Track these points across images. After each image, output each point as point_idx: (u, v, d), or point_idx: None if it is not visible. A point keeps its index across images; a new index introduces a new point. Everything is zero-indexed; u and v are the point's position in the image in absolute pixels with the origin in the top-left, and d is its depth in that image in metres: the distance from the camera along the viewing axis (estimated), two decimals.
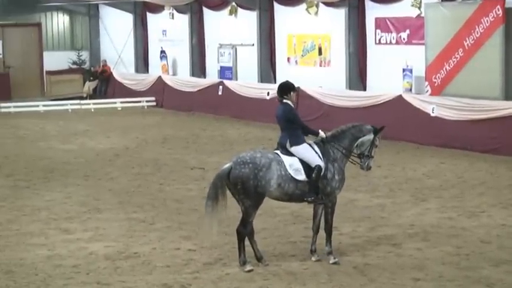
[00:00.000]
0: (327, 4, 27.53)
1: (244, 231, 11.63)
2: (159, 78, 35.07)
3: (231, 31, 31.88)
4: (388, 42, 25.92)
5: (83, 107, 34.60)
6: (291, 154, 11.81)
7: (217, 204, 11.62)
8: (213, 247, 12.82)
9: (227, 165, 11.65)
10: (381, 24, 26.08)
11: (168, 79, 34.68)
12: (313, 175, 11.67)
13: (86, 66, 40.07)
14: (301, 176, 11.68)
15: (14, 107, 33.94)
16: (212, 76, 32.94)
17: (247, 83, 30.62)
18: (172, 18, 35.13)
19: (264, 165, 11.48)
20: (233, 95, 30.66)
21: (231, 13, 31.78)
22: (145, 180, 18.69)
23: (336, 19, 27.41)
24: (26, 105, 34.32)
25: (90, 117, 31.53)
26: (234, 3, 31.34)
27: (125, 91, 36.64)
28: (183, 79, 34.06)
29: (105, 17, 39.79)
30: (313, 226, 12.24)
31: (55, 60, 39.40)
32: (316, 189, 11.79)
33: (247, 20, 31.04)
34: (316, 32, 28.56)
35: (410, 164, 20.53)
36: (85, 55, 40.31)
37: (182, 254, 12.48)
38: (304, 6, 28.51)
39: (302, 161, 11.74)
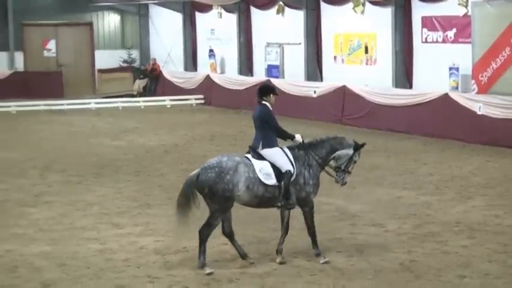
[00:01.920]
0: (373, 3, 27.36)
1: (208, 233, 11.38)
2: (208, 76, 35.17)
3: (278, 30, 31.83)
4: (435, 40, 25.67)
5: (133, 104, 34.83)
6: (262, 158, 11.57)
7: (187, 210, 11.45)
8: (260, 243, 12.83)
9: (195, 171, 11.49)
10: (428, 23, 25.84)
11: (216, 77, 34.75)
12: (284, 180, 11.44)
13: (136, 64, 40.32)
14: (272, 181, 11.43)
15: (67, 104, 34.25)
16: (259, 74, 32.91)
17: (294, 81, 30.54)
18: (221, 17, 35.17)
19: (230, 168, 11.25)
20: (280, 93, 30.46)
21: (278, 12, 31.73)
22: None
23: (382, 18, 27.22)
24: (78, 103, 34.63)
25: (139, 115, 31.71)
26: (281, 3, 31.29)
27: (173, 89, 36.80)
28: (230, 77, 34.11)
29: (155, 16, 39.96)
30: (282, 228, 11.92)
31: (106, 58, 39.74)
32: (287, 194, 11.53)
33: (294, 19, 30.97)
34: (362, 31, 28.39)
35: (456, 162, 20.33)
36: (135, 54, 40.57)
37: (230, 249, 12.45)
38: (350, 5, 28.34)
39: (273, 166, 11.50)
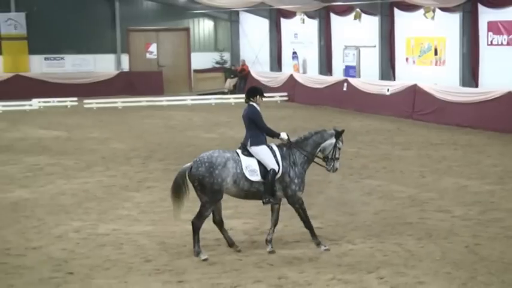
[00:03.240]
0: (443, 9, 27.01)
1: (199, 223, 11.20)
2: (291, 76, 35.18)
3: (355, 34, 31.65)
4: (500, 43, 25.14)
5: (224, 101, 35.05)
6: (251, 155, 11.31)
7: (179, 198, 11.34)
8: (338, 225, 12.79)
9: (188, 164, 11.31)
10: (493, 27, 25.34)
11: (298, 77, 34.75)
12: (268, 178, 11.15)
13: (227, 65, 40.55)
14: (256, 177, 11.15)
15: (166, 100, 34.65)
16: (338, 74, 32.79)
17: (369, 80, 30.40)
18: (303, 22, 35.10)
19: (219, 163, 11.02)
20: (356, 91, 30.50)
21: (355, 18, 31.52)
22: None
23: (451, 23, 26.85)
24: (176, 99, 35.00)
25: (230, 110, 31.87)
26: (358, 9, 31.08)
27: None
28: (312, 77, 34.06)
29: (244, 22, 40.13)
30: (271, 219, 11.61)
31: (201, 60, 40.12)
32: (272, 191, 11.23)
33: (370, 24, 30.74)
34: (432, 35, 28.04)
35: None
36: (226, 56, 40.81)
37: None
38: (422, 11, 28.03)
39: (260, 163, 11.22)
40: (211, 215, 11.42)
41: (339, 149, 11.77)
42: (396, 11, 29.61)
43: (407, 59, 29.45)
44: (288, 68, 36.44)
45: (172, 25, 40.09)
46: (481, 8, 25.73)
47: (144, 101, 34.25)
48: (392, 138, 23.20)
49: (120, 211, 14.18)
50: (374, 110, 28.94)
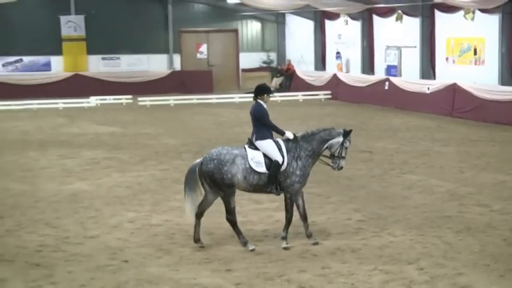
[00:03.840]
0: (482, 11, 26.66)
1: (232, 217, 11.08)
2: (335, 75, 35.05)
3: (397, 35, 31.44)
4: None
5: (271, 98, 34.90)
6: (257, 149, 11.17)
7: (191, 192, 11.18)
8: (379, 218, 12.71)
9: (198, 161, 11.22)
10: None
11: (342, 76, 34.62)
12: (271, 168, 11.01)
13: (274, 64, 40.57)
14: (262, 169, 11.00)
15: (216, 98, 34.78)
16: (380, 73, 32.60)
17: (410, 79, 30.18)
18: (347, 24, 34.96)
19: (228, 160, 10.90)
20: (397, 89, 30.29)
21: (397, 19, 31.27)
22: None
23: (490, 24, 26.51)
24: (225, 97, 35.07)
25: (276, 108, 31.77)
26: (399, 11, 30.83)
27: (305, 86, 36.87)
28: (354, 76, 33.92)
29: (290, 23, 40.08)
30: (300, 216, 11.42)
31: (248, 59, 40.21)
32: (275, 181, 11.08)
33: (411, 25, 30.49)
34: (472, 35, 27.71)
35: None
36: (273, 55, 40.82)
37: (353, 223, 12.42)
38: (462, 12, 27.71)
39: (265, 156, 11.08)
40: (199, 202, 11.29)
41: (346, 148, 11.54)
42: (437, 13, 29.32)
43: (447, 59, 29.15)
44: (331, 67, 36.31)
45: (222, 26, 40.21)
46: None
47: (194, 98, 34.42)
48: (432, 135, 22.97)
49: (172, 203, 14.24)
50: (414, 108, 28.74)
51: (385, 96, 30.85)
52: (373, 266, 10.14)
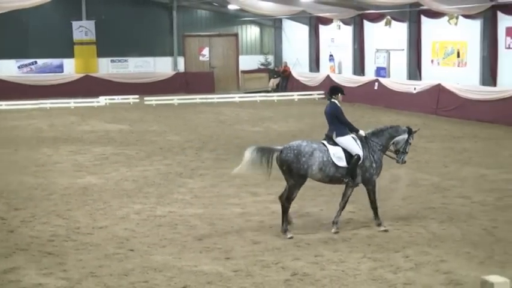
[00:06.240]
0: (465, 16, 26.66)
1: (287, 205, 11.15)
2: (328, 76, 34.99)
3: (386, 39, 31.44)
4: None
5: (268, 98, 35.01)
6: (336, 144, 11.27)
7: (257, 156, 11.06)
8: (369, 210, 12.69)
9: (279, 147, 11.23)
10: (511, 32, 24.93)
11: (334, 77, 34.53)
12: (352, 162, 11.14)
13: (271, 66, 40.49)
14: (343, 163, 11.14)
15: (217, 98, 34.75)
16: (370, 74, 32.58)
17: (398, 80, 30.18)
18: (339, 28, 34.92)
19: (307, 152, 10.99)
20: (386, 90, 30.29)
21: (386, 24, 31.28)
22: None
23: (473, 28, 26.52)
24: (226, 97, 35.04)
25: (273, 107, 31.88)
26: (388, 17, 30.83)
27: (300, 86, 36.83)
28: (346, 77, 33.86)
29: (287, 28, 40.02)
30: (340, 203, 11.57)
31: (248, 62, 40.13)
32: (353, 173, 11.21)
33: (399, 30, 30.48)
34: (455, 39, 27.72)
35: None
36: (270, 58, 40.75)
37: (344, 214, 12.32)
38: (446, 18, 27.73)
39: (345, 150, 11.20)
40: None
41: (410, 144, 11.86)
42: (423, 18, 29.30)
43: (432, 61, 29.14)
44: (325, 69, 36.26)
45: (223, 31, 40.15)
46: (500, 15, 25.34)
47: (197, 98, 34.37)
48: (418, 131, 22.91)
49: (175, 195, 14.26)
50: (402, 107, 28.73)
51: (375, 96, 30.83)
52: (362, 254, 10.14)
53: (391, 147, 11.83)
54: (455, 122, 25.10)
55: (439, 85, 27.40)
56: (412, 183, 15.05)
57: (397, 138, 11.75)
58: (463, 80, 26.79)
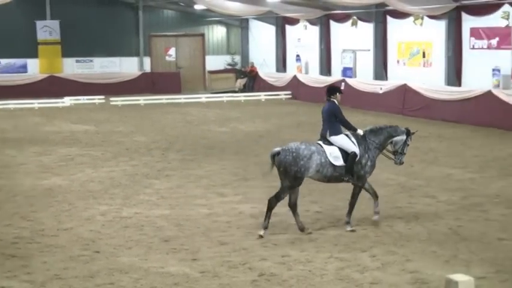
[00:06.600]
0: (430, 17, 26.89)
1: (274, 203, 11.14)
2: (295, 76, 35.10)
3: (352, 39, 31.58)
4: (481, 47, 25.04)
5: (235, 98, 35.00)
6: (331, 144, 11.33)
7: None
8: (336, 209, 12.75)
9: (277, 149, 11.22)
10: (475, 33, 25.22)
11: (301, 77, 34.66)
12: (349, 159, 11.21)
13: (238, 66, 40.49)
14: (340, 162, 11.20)
15: (184, 98, 34.64)
16: (336, 74, 32.70)
17: (364, 80, 30.33)
18: (306, 29, 35.02)
19: (305, 155, 11.01)
20: (353, 90, 30.36)
21: (352, 24, 31.43)
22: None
23: (437, 29, 26.76)
24: (192, 97, 34.96)
25: (240, 107, 31.87)
26: (355, 17, 30.97)
27: (267, 86, 36.87)
28: (313, 77, 33.96)
29: (253, 28, 40.04)
30: (349, 203, 11.57)
31: (214, 62, 40.09)
32: (352, 171, 11.29)
33: (365, 30, 30.64)
34: (421, 40, 27.97)
35: (498, 146, 19.83)
36: (237, 58, 40.74)
37: (311, 214, 12.45)
38: (411, 18, 27.96)
39: (340, 149, 11.27)
40: (286, 198, 11.35)
41: (408, 145, 11.92)
42: (389, 19, 29.49)
43: (398, 61, 29.37)
44: (292, 69, 36.34)
45: (189, 31, 40.04)
46: (465, 16, 25.60)
47: (164, 98, 34.22)
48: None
49: (141, 196, 14.18)
50: (369, 107, 28.85)
51: (342, 96, 30.82)
52: (329, 254, 10.17)
53: (389, 148, 11.89)
54: (421, 121, 25.28)
55: (405, 85, 27.62)
56: (379, 183, 15.10)
57: (395, 139, 11.82)
58: (429, 80, 27.03)
